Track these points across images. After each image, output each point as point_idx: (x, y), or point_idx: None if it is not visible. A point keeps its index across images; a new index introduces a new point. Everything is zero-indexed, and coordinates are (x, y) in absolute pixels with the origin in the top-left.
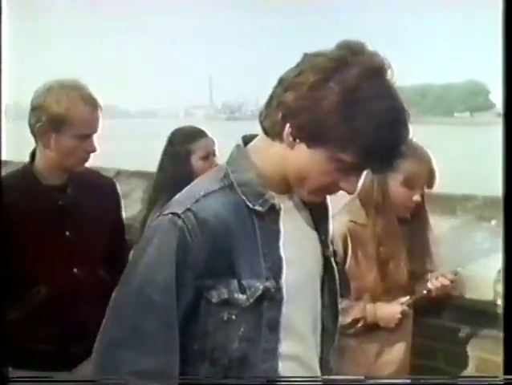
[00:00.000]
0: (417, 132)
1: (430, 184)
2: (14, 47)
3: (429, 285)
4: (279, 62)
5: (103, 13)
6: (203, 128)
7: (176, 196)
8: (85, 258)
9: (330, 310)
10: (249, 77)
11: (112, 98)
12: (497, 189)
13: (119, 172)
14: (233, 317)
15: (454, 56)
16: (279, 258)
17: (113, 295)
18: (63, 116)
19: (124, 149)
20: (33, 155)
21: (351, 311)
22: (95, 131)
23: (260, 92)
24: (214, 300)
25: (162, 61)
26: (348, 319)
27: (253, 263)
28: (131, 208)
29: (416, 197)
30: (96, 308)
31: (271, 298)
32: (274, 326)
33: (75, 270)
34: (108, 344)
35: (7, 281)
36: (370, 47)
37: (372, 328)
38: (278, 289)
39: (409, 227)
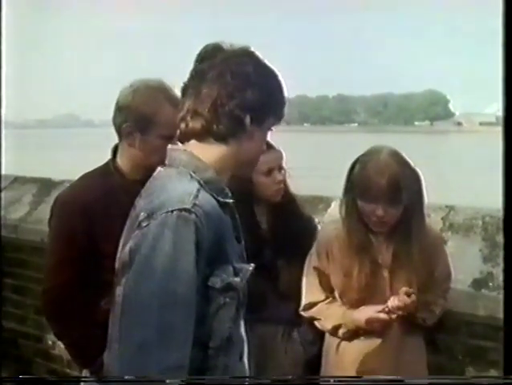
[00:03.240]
0: (381, 141)
1: (389, 199)
2: None
3: (388, 302)
4: None
5: (63, 22)
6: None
7: (164, 198)
8: None
9: None
10: None
11: (76, 108)
12: (447, 193)
13: (16, 179)
14: (228, 300)
15: (414, 66)
16: (242, 243)
17: (123, 298)
18: (151, 117)
19: (89, 158)
20: (114, 151)
21: (331, 317)
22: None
23: None
24: (218, 286)
25: (123, 70)
26: (329, 326)
27: (234, 248)
28: (20, 210)
29: (380, 212)
30: None
31: (246, 280)
32: (244, 305)
33: None
34: (137, 348)
35: (97, 279)
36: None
37: (357, 334)
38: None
39: (397, 242)
